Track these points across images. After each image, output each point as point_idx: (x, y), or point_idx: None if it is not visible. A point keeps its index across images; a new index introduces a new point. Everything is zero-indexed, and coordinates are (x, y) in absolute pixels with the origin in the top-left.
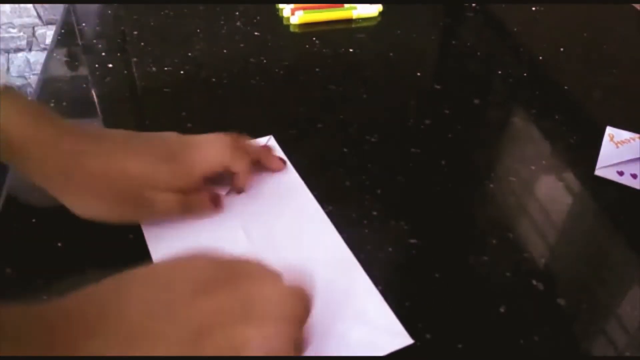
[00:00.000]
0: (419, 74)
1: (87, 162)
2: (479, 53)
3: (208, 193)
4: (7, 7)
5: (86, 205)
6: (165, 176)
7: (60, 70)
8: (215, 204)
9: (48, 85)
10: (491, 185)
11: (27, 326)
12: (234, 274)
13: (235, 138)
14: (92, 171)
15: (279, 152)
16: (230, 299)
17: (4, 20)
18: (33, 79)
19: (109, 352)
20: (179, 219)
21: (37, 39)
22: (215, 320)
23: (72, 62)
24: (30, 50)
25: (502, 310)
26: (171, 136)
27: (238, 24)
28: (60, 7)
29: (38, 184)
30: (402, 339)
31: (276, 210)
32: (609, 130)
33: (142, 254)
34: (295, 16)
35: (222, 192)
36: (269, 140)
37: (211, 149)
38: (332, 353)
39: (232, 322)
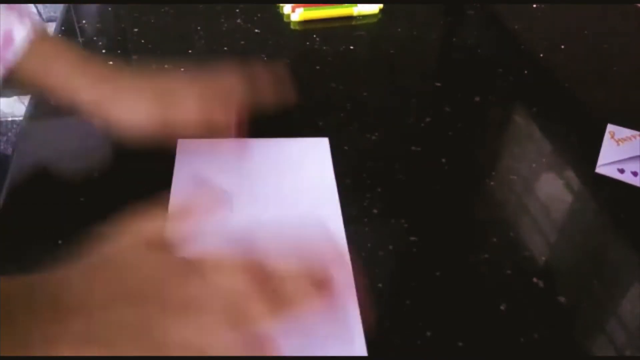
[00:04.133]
0: (419, 71)
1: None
2: (479, 51)
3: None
4: None
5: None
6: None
7: None
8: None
9: None
10: (492, 183)
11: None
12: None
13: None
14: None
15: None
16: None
17: None
18: None
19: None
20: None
21: None
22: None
23: None
24: None
25: (502, 308)
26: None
27: (238, 21)
28: (60, 5)
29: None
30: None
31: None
32: (610, 127)
33: None
34: (295, 13)
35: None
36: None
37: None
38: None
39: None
